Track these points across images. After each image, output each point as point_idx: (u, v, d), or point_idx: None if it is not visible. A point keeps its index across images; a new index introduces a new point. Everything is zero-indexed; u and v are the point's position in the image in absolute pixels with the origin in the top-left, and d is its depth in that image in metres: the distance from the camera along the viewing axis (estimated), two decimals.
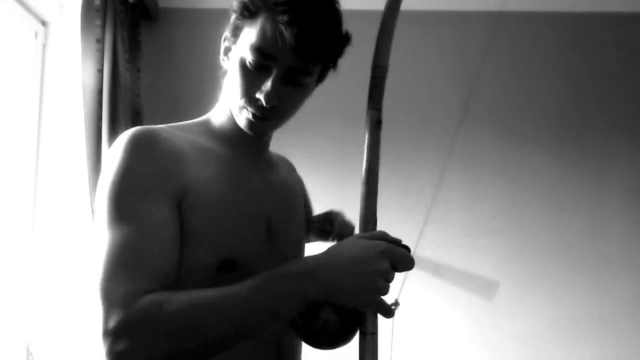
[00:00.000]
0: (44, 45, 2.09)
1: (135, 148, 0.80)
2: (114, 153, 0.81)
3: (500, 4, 2.09)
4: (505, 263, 2.44)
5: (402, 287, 0.78)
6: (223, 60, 0.92)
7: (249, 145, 0.93)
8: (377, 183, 0.81)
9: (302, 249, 1.03)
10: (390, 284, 0.73)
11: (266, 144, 0.99)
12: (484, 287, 2.34)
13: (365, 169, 0.82)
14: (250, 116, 0.85)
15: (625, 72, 2.56)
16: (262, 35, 0.81)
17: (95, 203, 0.77)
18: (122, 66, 2.07)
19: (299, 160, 1.19)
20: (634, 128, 2.53)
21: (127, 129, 2.04)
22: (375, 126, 0.83)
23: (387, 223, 0.92)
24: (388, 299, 0.74)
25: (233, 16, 0.87)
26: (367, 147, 0.83)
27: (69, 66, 2.05)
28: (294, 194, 1.04)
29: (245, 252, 0.84)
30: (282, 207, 0.96)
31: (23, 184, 1.99)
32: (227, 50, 0.90)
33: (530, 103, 2.55)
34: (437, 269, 2.40)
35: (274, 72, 0.82)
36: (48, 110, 2.07)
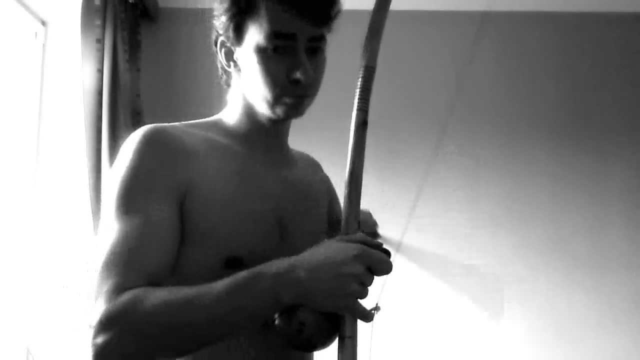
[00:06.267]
0: (44, 45, 2.09)
1: (142, 146, 0.82)
2: (124, 151, 0.83)
3: (487, 4, 2.15)
4: (505, 262, 2.44)
5: (382, 291, 0.76)
6: (228, 66, 0.90)
7: (265, 142, 0.93)
8: (360, 186, 0.78)
9: None
10: (369, 288, 0.72)
11: (284, 141, 0.98)
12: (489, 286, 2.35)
13: (349, 171, 0.79)
14: (291, 101, 0.85)
15: (625, 71, 2.56)
16: (276, 18, 0.81)
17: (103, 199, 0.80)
18: (122, 66, 2.07)
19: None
20: (634, 127, 2.53)
21: (127, 128, 2.04)
22: (361, 127, 0.79)
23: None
24: (368, 303, 0.72)
25: (224, 18, 0.86)
26: (352, 149, 0.79)
27: (69, 66, 2.05)
28: (315, 192, 1.02)
29: (252, 249, 0.84)
30: (298, 205, 0.94)
31: (22, 183, 1.99)
32: (230, 53, 0.89)
33: (531, 102, 2.55)
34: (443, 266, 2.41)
35: (299, 49, 0.82)
36: (48, 110, 2.07)
